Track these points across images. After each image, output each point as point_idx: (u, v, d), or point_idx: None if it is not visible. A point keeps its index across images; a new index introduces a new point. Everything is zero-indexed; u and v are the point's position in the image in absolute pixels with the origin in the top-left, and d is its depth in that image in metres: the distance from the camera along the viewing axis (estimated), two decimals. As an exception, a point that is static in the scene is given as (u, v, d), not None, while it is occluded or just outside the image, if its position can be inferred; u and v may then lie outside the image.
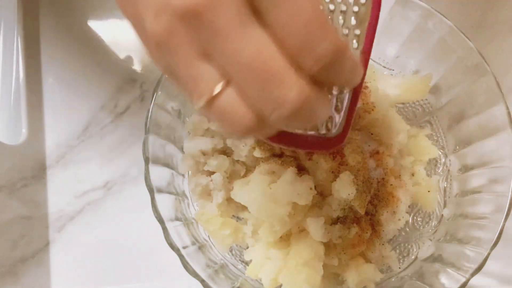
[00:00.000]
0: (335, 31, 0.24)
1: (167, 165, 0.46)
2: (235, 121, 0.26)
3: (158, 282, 0.52)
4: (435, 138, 0.49)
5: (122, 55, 0.58)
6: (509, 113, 0.42)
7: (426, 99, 0.49)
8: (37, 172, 0.55)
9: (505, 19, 0.57)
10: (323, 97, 0.26)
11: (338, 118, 0.32)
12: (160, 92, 0.44)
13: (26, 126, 0.55)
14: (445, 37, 0.45)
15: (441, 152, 0.49)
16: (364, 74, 0.32)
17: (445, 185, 0.48)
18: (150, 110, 0.43)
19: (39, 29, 0.57)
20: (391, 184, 0.45)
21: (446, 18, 0.44)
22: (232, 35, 0.24)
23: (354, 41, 0.31)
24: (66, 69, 0.57)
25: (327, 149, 0.34)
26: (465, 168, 0.47)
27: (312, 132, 0.32)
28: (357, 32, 0.31)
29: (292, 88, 0.24)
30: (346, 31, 0.30)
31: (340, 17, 0.30)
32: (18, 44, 0.56)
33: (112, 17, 0.58)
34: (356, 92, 0.32)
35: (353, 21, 0.30)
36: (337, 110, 0.32)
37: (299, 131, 0.32)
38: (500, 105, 0.43)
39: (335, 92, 0.31)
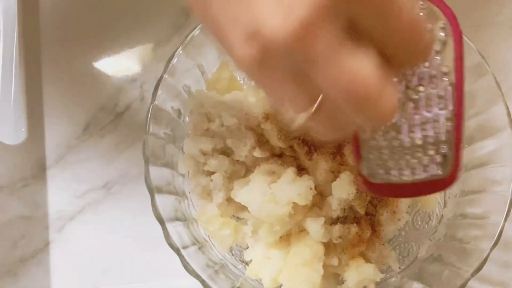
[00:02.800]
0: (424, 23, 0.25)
1: (167, 165, 0.46)
2: (331, 131, 0.27)
3: (158, 282, 0.52)
4: (435, 138, 0.49)
5: (122, 55, 0.58)
6: (509, 113, 0.42)
7: (426, 99, 0.49)
8: (37, 172, 0.55)
9: (505, 19, 0.57)
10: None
11: (442, 159, 0.31)
12: (160, 92, 0.44)
13: (26, 126, 0.55)
14: (445, 37, 0.45)
15: (441, 152, 0.49)
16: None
17: (445, 185, 0.48)
18: (150, 110, 0.43)
19: (39, 29, 0.57)
20: (391, 184, 0.45)
21: (446, 18, 0.44)
22: (328, 61, 0.23)
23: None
24: (66, 69, 0.57)
25: (441, 190, 0.33)
26: (465, 168, 0.47)
27: (420, 177, 0.31)
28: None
29: (386, 106, 0.24)
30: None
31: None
32: (18, 44, 0.56)
33: (112, 15, 0.58)
34: (459, 128, 0.31)
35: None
36: (441, 149, 0.31)
37: (407, 180, 0.31)
38: (500, 105, 0.43)
39: (434, 130, 0.31)
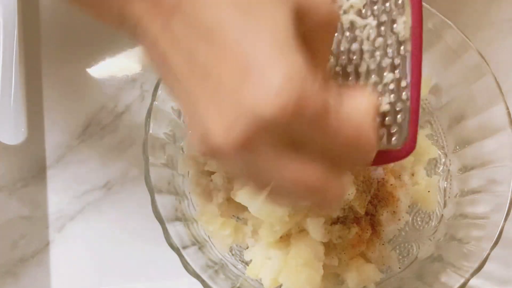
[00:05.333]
0: (375, 134, 0.26)
1: (167, 165, 0.46)
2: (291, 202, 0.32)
3: (158, 282, 0.52)
4: (435, 138, 0.49)
5: (122, 55, 0.58)
6: (509, 113, 0.42)
7: (426, 99, 0.49)
8: (37, 172, 0.55)
9: (505, 19, 0.57)
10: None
11: (398, 128, 0.30)
12: (160, 92, 0.44)
13: (26, 126, 0.55)
14: (445, 37, 0.45)
15: (441, 152, 0.49)
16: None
17: (445, 185, 0.48)
18: (150, 110, 0.43)
19: (39, 29, 0.57)
20: (391, 184, 0.45)
21: (446, 18, 0.44)
22: (269, 169, 0.25)
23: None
24: (66, 69, 0.57)
25: (396, 160, 0.32)
26: (465, 168, 0.47)
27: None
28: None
29: (332, 197, 0.27)
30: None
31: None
32: (18, 44, 0.56)
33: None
34: (415, 97, 0.30)
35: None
36: (395, 121, 0.30)
37: None
38: (500, 105, 0.43)
39: (392, 99, 0.30)
